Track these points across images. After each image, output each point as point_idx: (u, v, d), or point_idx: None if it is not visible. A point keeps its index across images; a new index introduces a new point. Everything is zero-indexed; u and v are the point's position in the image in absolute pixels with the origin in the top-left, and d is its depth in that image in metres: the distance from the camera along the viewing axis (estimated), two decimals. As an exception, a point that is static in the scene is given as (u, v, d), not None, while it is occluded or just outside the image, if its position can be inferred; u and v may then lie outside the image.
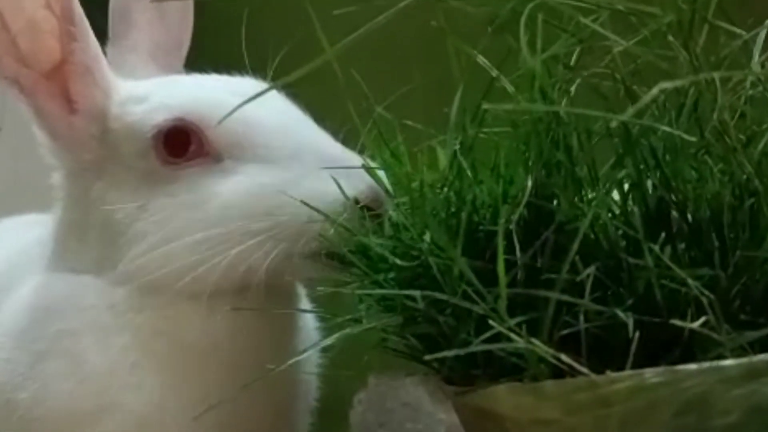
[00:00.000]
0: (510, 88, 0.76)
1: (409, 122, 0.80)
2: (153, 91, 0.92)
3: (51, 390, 0.89)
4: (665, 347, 0.69)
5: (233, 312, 0.87)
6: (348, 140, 0.89)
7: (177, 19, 1.02)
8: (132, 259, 0.88)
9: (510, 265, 0.73)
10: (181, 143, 0.88)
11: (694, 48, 0.69)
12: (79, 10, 0.88)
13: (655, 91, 0.57)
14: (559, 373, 0.69)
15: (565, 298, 0.67)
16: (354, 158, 0.87)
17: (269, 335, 0.91)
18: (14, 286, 0.96)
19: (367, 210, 0.83)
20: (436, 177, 0.78)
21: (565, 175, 0.75)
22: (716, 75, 0.63)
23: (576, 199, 0.76)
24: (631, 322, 0.67)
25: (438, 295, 0.72)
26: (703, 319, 0.66)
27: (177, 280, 0.86)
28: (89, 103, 0.91)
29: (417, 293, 0.74)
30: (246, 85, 0.93)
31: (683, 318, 0.66)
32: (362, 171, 0.84)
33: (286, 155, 0.87)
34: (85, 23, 0.89)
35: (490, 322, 0.69)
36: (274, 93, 0.91)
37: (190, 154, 0.88)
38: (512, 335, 0.68)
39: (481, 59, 0.76)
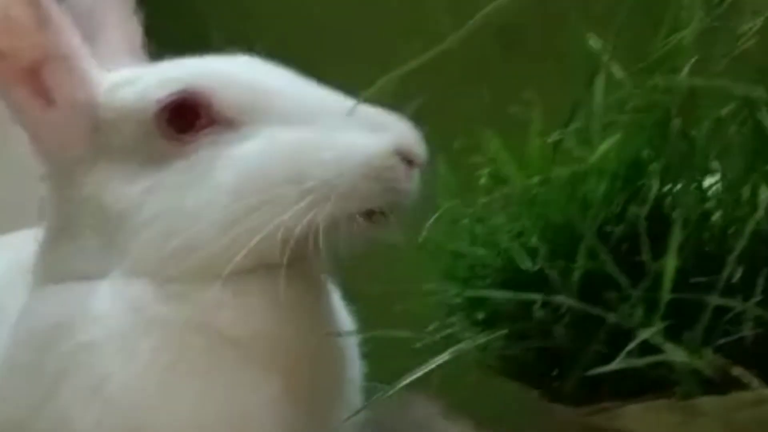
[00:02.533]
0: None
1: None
2: (144, 72, 0.83)
3: (73, 418, 0.77)
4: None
5: (269, 293, 0.77)
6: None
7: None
8: (144, 246, 0.78)
9: (638, 267, 0.65)
10: (189, 117, 0.79)
11: None
12: (54, 4, 0.81)
13: None
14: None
15: (728, 302, 0.59)
16: (379, 112, 0.78)
17: (310, 318, 0.81)
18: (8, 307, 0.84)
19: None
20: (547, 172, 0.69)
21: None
22: None
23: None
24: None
25: (569, 301, 0.63)
26: None
27: (204, 262, 0.76)
28: (70, 96, 0.82)
29: (537, 297, 0.65)
30: (245, 59, 0.84)
31: None
32: (389, 123, 0.76)
33: (308, 114, 0.78)
34: (62, 16, 0.81)
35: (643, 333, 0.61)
36: (276, 66, 0.82)
37: (199, 126, 0.79)
38: (664, 347, 0.60)
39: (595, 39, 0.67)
